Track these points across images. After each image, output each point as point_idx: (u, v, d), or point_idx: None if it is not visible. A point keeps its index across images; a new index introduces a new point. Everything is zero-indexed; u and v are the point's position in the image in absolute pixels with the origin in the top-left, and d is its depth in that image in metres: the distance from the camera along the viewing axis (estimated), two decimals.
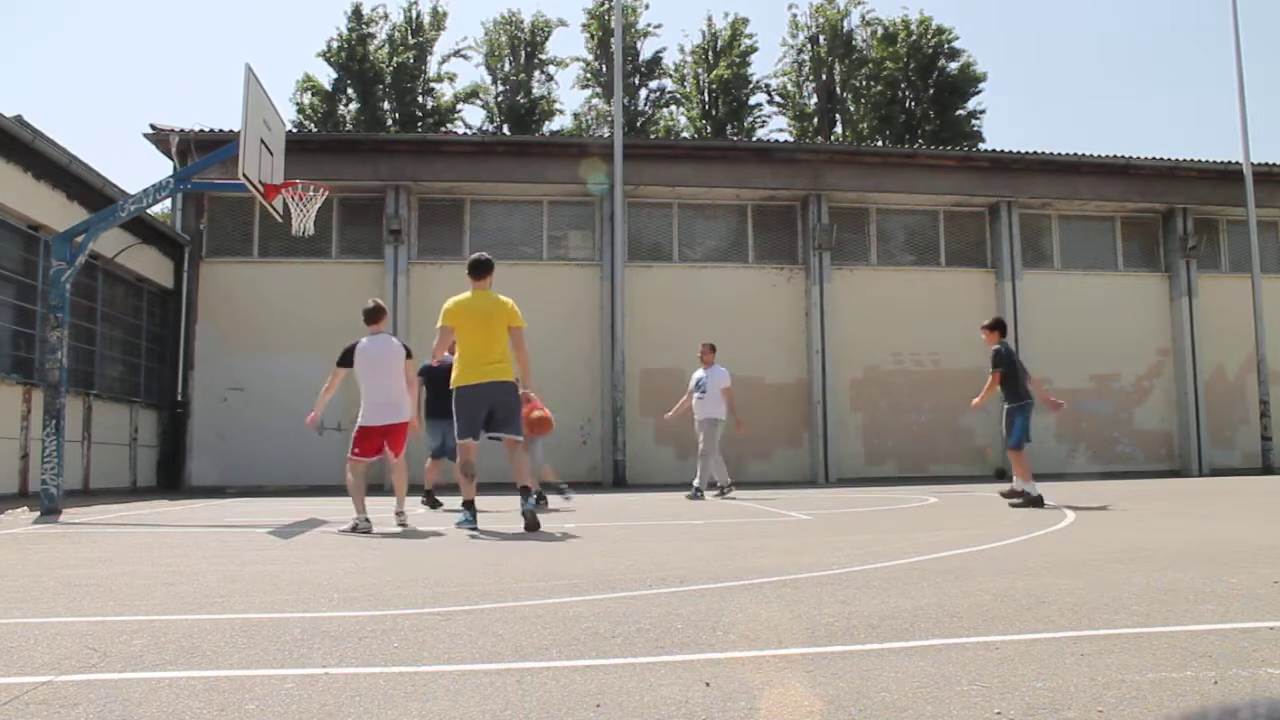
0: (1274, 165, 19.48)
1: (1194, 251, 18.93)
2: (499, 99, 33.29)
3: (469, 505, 7.00)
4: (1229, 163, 19.23)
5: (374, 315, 7.47)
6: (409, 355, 7.60)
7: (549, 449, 17.48)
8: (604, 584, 3.92)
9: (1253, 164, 18.95)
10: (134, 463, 15.24)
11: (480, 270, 7.03)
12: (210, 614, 3.25)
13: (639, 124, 32.87)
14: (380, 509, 9.15)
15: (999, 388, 9.20)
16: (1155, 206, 19.21)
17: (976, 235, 18.92)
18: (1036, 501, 8.82)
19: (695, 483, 11.49)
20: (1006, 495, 9.20)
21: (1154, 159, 18.93)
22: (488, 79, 33.77)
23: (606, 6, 31.48)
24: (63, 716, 1.98)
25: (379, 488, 9.74)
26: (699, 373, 11.78)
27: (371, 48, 31.90)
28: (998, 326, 9.44)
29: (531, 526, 6.53)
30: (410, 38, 32.41)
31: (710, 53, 33.52)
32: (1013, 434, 9.12)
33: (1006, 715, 1.92)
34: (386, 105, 31.95)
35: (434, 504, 9.51)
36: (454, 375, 7.04)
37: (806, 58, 33.87)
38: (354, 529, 6.89)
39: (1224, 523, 6.87)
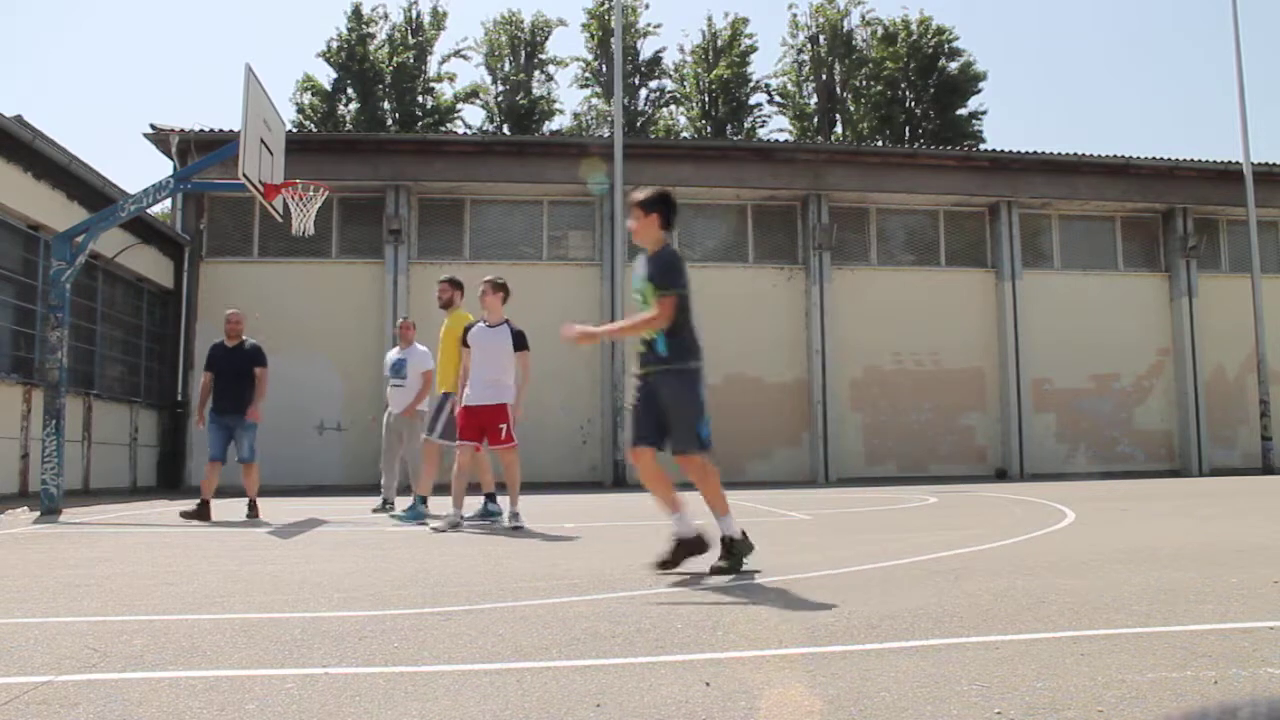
0: (1274, 165, 19.48)
1: (1194, 251, 18.93)
2: (499, 99, 33.29)
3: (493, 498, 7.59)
4: (1229, 163, 19.23)
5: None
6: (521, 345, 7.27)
7: (553, 448, 17.57)
8: (604, 584, 3.92)
9: (1253, 164, 18.95)
10: (134, 463, 15.24)
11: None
12: (210, 614, 3.25)
13: (639, 124, 32.87)
14: (357, 506, 9.15)
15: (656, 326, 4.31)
16: (1155, 206, 19.22)
17: (976, 235, 18.92)
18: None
19: (415, 498, 8.05)
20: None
21: (1154, 159, 18.94)
22: (488, 79, 33.79)
23: (606, 6, 31.47)
24: (63, 716, 1.98)
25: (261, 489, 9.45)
26: (394, 353, 9.18)
27: (371, 48, 31.89)
28: (664, 203, 4.50)
29: None
30: (410, 38, 32.39)
31: (710, 53, 33.51)
32: (703, 418, 4.31)
33: (1006, 715, 1.92)
34: (386, 105, 31.93)
35: (204, 514, 7.99)
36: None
37: (806, 58, 33.86)
38: (453, 526, 6.77)
39: (1224, 523, 6.87)
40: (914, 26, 33.00)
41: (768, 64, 72.78)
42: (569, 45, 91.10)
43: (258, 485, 8.69)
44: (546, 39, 33.83)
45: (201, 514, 8.01)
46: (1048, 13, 58.82)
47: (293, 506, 10.13)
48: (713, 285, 17.92)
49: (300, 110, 31.27)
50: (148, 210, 11.82)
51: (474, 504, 7.62)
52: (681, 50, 34.99)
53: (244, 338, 8.59)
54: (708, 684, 2.20)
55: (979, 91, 33.29)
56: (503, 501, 7.26)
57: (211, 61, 56.16)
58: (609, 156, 17.16)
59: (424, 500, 7.93)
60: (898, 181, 18.35)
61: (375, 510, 8.93)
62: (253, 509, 8.38)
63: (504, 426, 6.90)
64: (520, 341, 7.07)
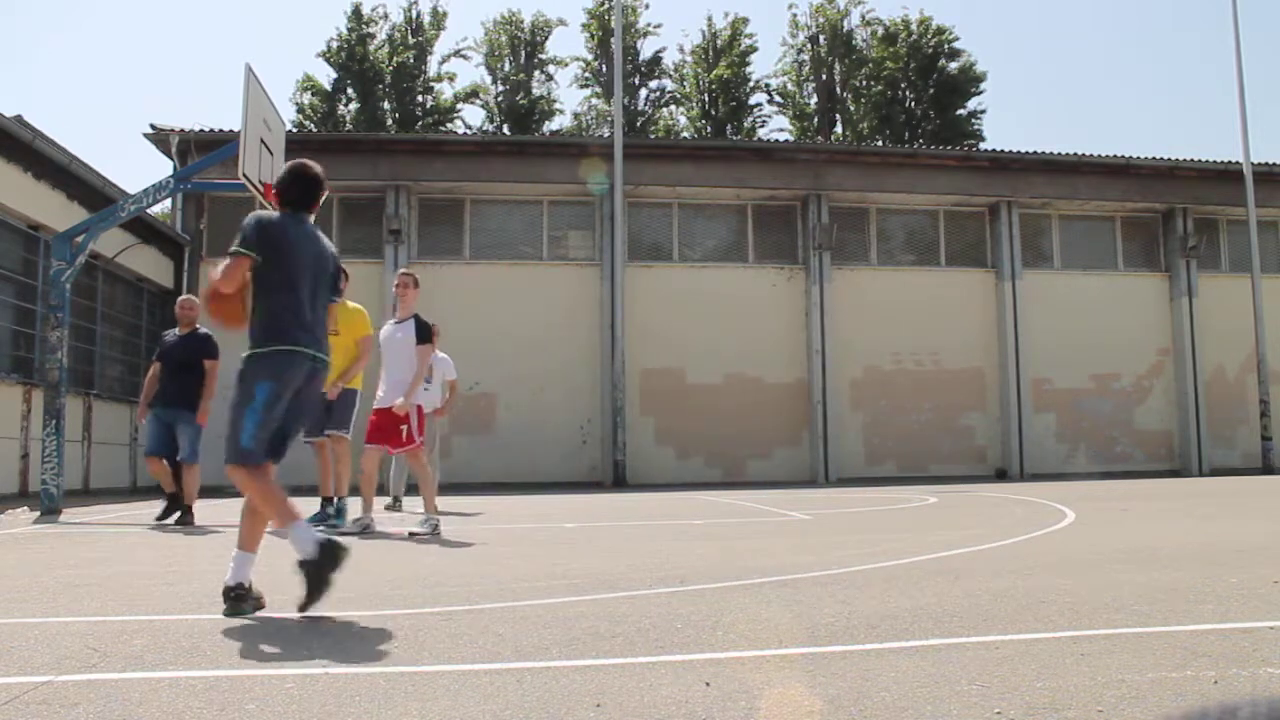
0: (1274, 165, 19.47)
1: (1194, 251, 18.92)
2: (499, 99, 33.30)
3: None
4: (1229, 162, 19.22)
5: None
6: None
7: (553, 448, 17.57)
8: (604, 584, 3.92)
9: (1253, 164, 18.95)
10: (134, 463, 15.22)
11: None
12: (210, 614, 3.26)
13: (639, 124, 32.88)
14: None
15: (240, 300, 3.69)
16: (1155, 206, 19.21)
17: (976, 235, 18.92)
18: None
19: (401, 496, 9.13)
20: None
21: (1154, 159, 18.93)
22: (488, 79, 33.82)
23: (606, 6, 31.47)
24: (63, 716, 1.98)
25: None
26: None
27: (371, 48, 31.91)
28: (286, 182, 4.05)
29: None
30: (410, 38, 32.41)
31: (710, 52, 33.52)
32: (248, 417, 3.85)
33: (1006, 715, 1.92)
34: (386, 105, 31.95)
35: (185, 512, 7.69)
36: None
37: (806, 58, 33.88)
38: (364, 529, 6.45)
39: (1224, 523, 6.87)
40: (914, 26, 33.03)
41: (768, 64, 72.73)
42: (569, 45, 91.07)
43: (197, 489, 7.92)
44: (546, 39, 33.89)
45: (184, 515, 7.64)
46: (1048, 13, 58.82)
47: None
48: (713, 285, 17.95)
49: (300, 110, 31.30)
50: (148, 210, 11.82)
51: (422, 507, 7.57)
52: (681, 50, 35.08)
53: (196, 326, 7.99)
54: (708, 684, 2.20)
55: (979, 92, 33.32)
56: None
57: (211, 61, 56.18)
58: (609, 156, 17.15)
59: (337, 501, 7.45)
60: (898, 181, 18.35)
61: (386, 508, 8.92)
62: (186, 513, 7.68)
63: (404, 428, 6.53)
64: (423, 334, 6.62)
